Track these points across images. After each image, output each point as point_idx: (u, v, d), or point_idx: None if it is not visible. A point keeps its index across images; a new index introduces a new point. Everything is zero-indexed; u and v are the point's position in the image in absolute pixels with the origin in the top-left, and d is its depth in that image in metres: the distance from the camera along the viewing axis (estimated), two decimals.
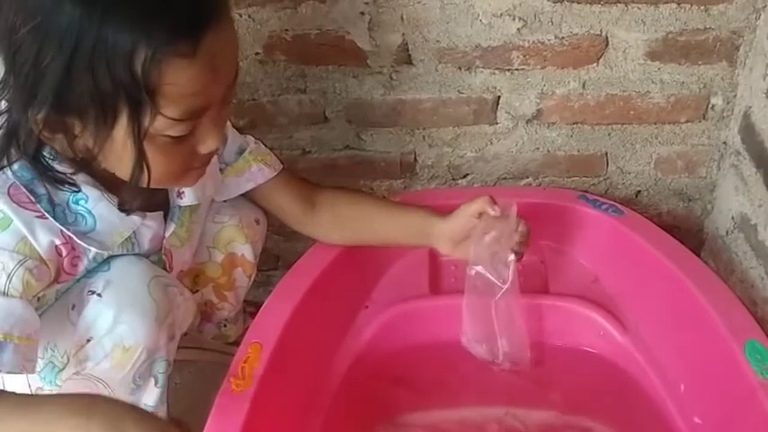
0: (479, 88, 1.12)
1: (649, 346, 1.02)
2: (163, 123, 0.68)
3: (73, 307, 0.80)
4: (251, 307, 1.12)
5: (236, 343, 0.92)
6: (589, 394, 1.03)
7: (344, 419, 0.98)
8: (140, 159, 0.71)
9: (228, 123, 0.91)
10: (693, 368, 0.96)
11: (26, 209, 0.73)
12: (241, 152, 0.96)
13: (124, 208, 0.79)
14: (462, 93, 1.13)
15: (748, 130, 1.07)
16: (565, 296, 1.08)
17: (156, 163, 0.72)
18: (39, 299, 0.78)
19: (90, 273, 0.81)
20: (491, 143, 1.18)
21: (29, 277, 0.72)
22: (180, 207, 0.88)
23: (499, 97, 1.13)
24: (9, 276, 0.71)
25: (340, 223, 1.01)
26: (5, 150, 0.72)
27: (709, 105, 1.13)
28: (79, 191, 0.76)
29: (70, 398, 0.71)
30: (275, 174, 0.98)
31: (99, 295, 0.79)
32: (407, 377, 1.05)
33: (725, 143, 1.15)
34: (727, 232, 1.15)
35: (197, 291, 1.01)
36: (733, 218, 1.13)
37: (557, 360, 1.07)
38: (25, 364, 0.71)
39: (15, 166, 0.73)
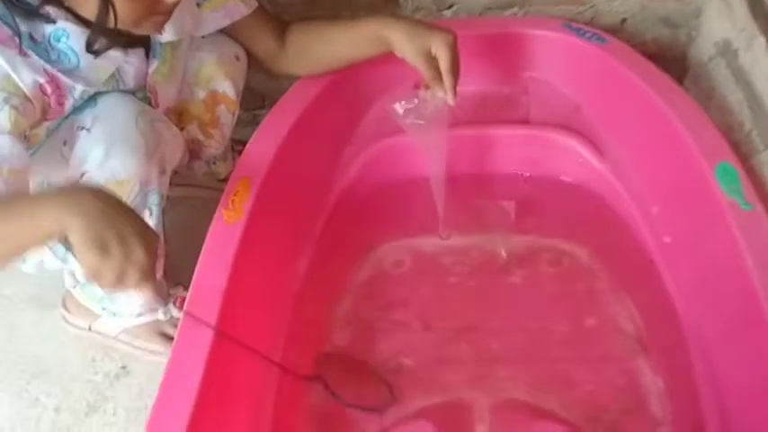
0: None
1: (626, 171, 1.05)
2: None
3: (64, 143, 0.82)
4: (239, 145, 1.14)
5: (227, 179, 0.95)
6: (566, 220, 1.08)
7: (332, 248, 1.04)
8: (105, 1, 0.71)
9: None
10: (667, 191, 1.00)
11: (8, 47, 0.73)
12: None
13: (92, 50, 0.78)
14: None
15: None
16: (545, 125, 1.10)
17: (119, 6, 0.72)
18: (29, 138, 0.79)
19: (78, 109, 0.82)
20: None
21: (15, 114, 0.73)
22: (161, 43, 0.88)
23: None
24: None
25: (306, 53, 1.01)
26: None
27: None
28: (55, 22, 0.76)
29: (60, 188, 0.69)
30: (251, 11, 0.97)
31: (88, 131, 0.81)
32: (390, 210, 1.10)
33: None
34: (709, 59, 1.15)
35: (182, 128, 1.02)
36: (716, 43, 1.12)
37: (535, 188, 1.11)
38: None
39: None
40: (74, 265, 0.91)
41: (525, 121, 1.11)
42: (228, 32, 0.99)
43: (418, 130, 0.94)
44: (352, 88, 1.08)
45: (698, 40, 1.21)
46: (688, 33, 1.22)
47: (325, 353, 0.95)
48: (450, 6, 1.19)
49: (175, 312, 1.00)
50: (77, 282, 0.97)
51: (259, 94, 1.25)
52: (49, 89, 0.77)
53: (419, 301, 1.00)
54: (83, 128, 0.81)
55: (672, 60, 1.23)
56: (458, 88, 0.92)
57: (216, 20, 0.95)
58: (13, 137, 0.73)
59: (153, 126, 0.84)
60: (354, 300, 1.01)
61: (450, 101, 0.92)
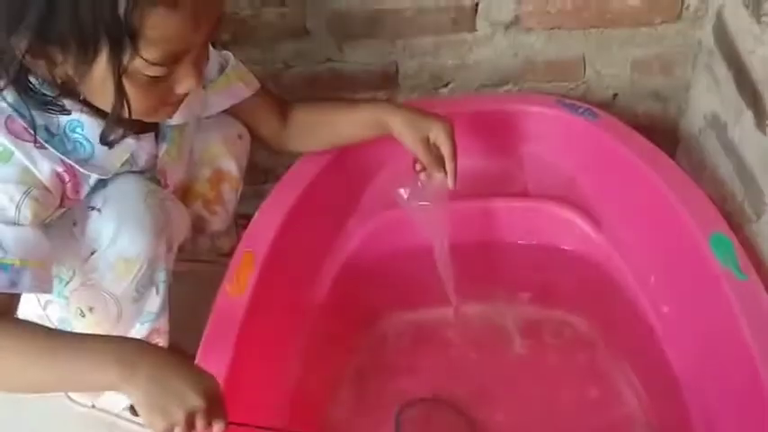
0: None
1: (622, 242, 1.07)
2: (142, 64, 0.71)
3: (75, 223, 0.83)
4: (243, 220, 1.16)
5: (230, 254, 0.97)
6: (565, 290, 1.09)
7: (335, 320, 1.05)
8: (120, 95, 0.73)
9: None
10: (663, 261, 1.01)
11: (25, 140, 0.75)
12: (222, 69, 0.98)
13: (107, 141, 0.81)
14: (440, 1, 1.14)
15: (721, 30, 1.09)
16: (542, 198, 1.13)
17: (133, 99, 0.75)
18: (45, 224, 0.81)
19: (89, 190, 0.84)
20: (471, 51, 1.20)
21: (36, 206, 0.75)
22: (170, 126, 0.91)
23: (477, 4, 1.14)
24: (18, 207, 0.74)
25: (306, 131, 1.04)
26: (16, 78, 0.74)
27: (684, 6, 1.14)
28: (70, 113, 0.78)
29: (110, 342, 0.72)
30: (253, 92, 1.01)
31: (99, 211, 0.82)
32: (393, 281, 1.11)
33: (699, 43, 1.17)
34: (699, 131, 1.19)
35: (188, 206, 1.05)
36: (705, 117, 1.16)
37: (535, 259, 1.13)
38: (44, 286, 0.75)
39: (10, 99, 0.75)
40: None
41: (524, 194, 1.14)
42: (231, 112, 1.02)
43: (422, 212, 0.98)
44: (354, 162, 1.11)
45: (688, 113, 1.25)
46: (678, 106, 1.26)
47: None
48: (447, 84, 1.24)
49: None
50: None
51: (262, 169, 1.28)
52: (66, 177, 0.79)
53: (423, 372, 1.01)
54: (93, 208, 0.83)
55: (663, 133, 1.27)
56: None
57: (220, 102, 0.99)
58: (34, 228, 0.75)
59: (162, 205, 0.86)
60: (358, 371, 1.01)
61: (451, 185, 0.97)
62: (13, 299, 0.75)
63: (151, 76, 0.73)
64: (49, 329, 0.73)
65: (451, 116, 0.99)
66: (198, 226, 1.09)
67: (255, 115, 1.03)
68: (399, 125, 0.98)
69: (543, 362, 1.01)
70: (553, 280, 1.10)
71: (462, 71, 1.22)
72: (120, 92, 0.73)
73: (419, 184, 0.98)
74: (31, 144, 0.76)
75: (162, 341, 0.93)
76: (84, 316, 0.86)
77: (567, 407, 0.96)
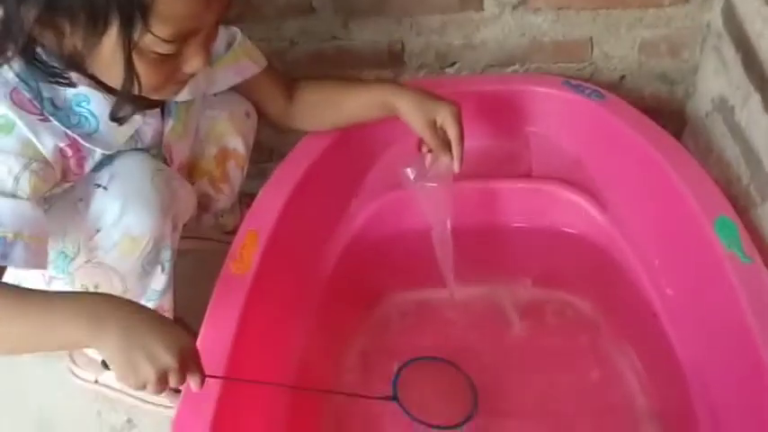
0: None
1: (627, 224, 1.07)
2: (152, 40, 0.71)
3: (80, 200, 0.83)
4: (247, 198, 1.16)
5: (233, 232, 0.96)
6: (569, 271, 1.09)
7: (338, 299, 1.05)
8: (130, 71, 0.73)
9: None
10: (667, 243, 1.01)
11: (29, 112, 0.75)
12: (229, 46, 0.97)
13: (117, 117, 0.80)
14: None
15: (729, 13, 1.08)
16: (547, 179, 1.13)
17: (142, 76, 0.74)
18: (48, 199, 0.81)
19: (95, 167, 0.84)
20: (478, 30, 1.19)
21: (35, 179, 0.74)
22: (176, 103, 0.91)
23: None
24: (16, 179, 0.73)
25: (312, 110, 1.04)
26: (3, 50, 0.73)
27: None
28: (75, 86, 0.78)
29: (80, 299, 0.72)
30: (261, 69, 1.00)
31: (105, 188, 0.82)
32: (397, 261, 1.11)
33: (708, 26, 1.16)
34: (706, 114, 1.18)
35: (193, 183, 1.05)
36: (712, 100, 1.15)
37: (539, 240, 1.13)
38: (36, 261, 0.75)
39: (16, 68, 0.75)
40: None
41: (528, 175, 1.14)
42: (238, 89, 1.02)
43: (426, 192, 0.98)
44: (358, 142, 1.11)
45: (695, 96, 1.24)
46: (685, 89, 1.25)
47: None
48: (453, 64, 1.23)
49: None
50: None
51: (267, 147, 1.28)
52: (69, 152, 0.79)
53: (425, 352, 1.01)
54: (99, 185, 0.82)
55: (670, 115, 1.26)
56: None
57: (227, 78, 0.98)
58: (32, 202, 0.74)
59: (168, 184, 0.86)
60: (361, 351, 1.02)
61: (457, 168, 0.97)
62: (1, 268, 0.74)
63: (160, 54, 0.73)
64: (22, 289, 0.71)
65: (457, 95, 0.99)
66: (203, 203, 1.09)
67: (261, 92, 1.02)
68: (406, 107, 0.98)
69: (546, 343, 1.02)
70: (557, 262, 1.10)
71: (469, 51, 1.21)
72: (129, 68, 0.73)
73: (425, 164, 0.98)
74: (36, 116, 0.75)
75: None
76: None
77: (567, 387, 0.96)
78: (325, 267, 1.07)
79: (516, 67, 1.23)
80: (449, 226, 0.99)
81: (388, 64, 1.22)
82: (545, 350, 1.01)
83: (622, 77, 1.24)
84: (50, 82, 0.76)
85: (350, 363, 1.01)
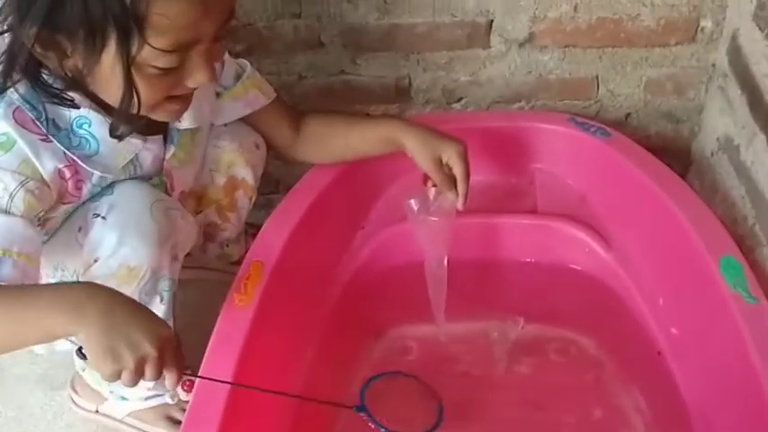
0: (472, 12, 1.14)
1: (632, 262, 1.07)
2: (150, 53, 0.71)
3: (79, 229, 0.84)
4: (253, 229, 1.17)
5: (239, 263, 0.97)
6: (574, 308, 1.09)
7: (342, 332, 1.04)
8: (129, 86, 0.73)
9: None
10: (672, 283, 1.01)
11: (31, 131, 0.76)
12: (238, 77, 0.98)
13: (116, 134, 0.81)
14: (455, 16, 1.14)
15: (735, 53, 1.09)
16: (552, 215, 1.13)
17: (143, 92, 0.74)
18: (44, 222, 0.82)
19: (95, 197, 0.85)
20: (484, 67, 1.20)
21: (30, 198, 0.75)
22: (178, 130, 0.91)
23: (492, 21, 1.15)
24: (11, 196, 0.74)
25: (319, 143, 1.05)
26: (8, 71, 0.75)
27: (699, 28, 1.14)
28: (78, 107, 0.79)
29: (63, 290, 0.71)
30: (270, 101, 1.01)
31: (103, 218, 0.83)
32: (401, 294, 1.11)
33: (713, 65, 1.17)
34: (712, 153, 1.18)
35: (201, 211, 1.05)
36: (718, 139, 1.16)
37: (543, 276, 1.12)
38: (24, 279, 0.74)
39: (21, 90, 0.76)
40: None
41: (533, 211, 1.14)
42: (245, 120, 1.02)
43: (428, 226, 0.98)
44: (364, 175, 1.11)
45: (701, 135, 1.24)
46: (691, 128, 1.26)
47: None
48: (459, 100, 1.24)
49: (183, 396, 1.00)
50: (86, 364, 0.98)
51: (273, 178, 1.29)
52: (67, 174, 0.80)
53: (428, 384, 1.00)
54: (98, 215, 0.83)
55: (676, 154, 1.26)
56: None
57: (236, 110, 0.99)
58: (25, 220, 0.75)
59: (167, 214, 0.86)
60: (364, 381, 1.01)
61: (461, 206, 0.97)
62: None
63: (161, 69, 0.73)
64: (5, 286, 0.71)
65: (463, 131, 1.00)
66: (209, 233, 1.09)
67: (269, 124, 1.03)
68: (412, 144, 0.98)
69: (549, 380, 1.01)
70: (561, 299, 1.10)
71: (475, 87, 1.22)
72: (128, 82, 0.73)
73: (429, 198, 0.98)
74: (37, 137, 0.76)
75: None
76: None
77: (571, 426, 0.95)
78: (329, 299, 1.07)
79: (522, 103, 1.24)
80: (446, 262, 0.99)
81: (396, 99, 1.23)
82: (548, 387, 1.00)
83: (628, 115, 1.25)
84: (54, 103, 0.78)
85: (352, 395, 1.00)
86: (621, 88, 1.22)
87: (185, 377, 0.72)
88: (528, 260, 1.14)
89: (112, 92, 0.75)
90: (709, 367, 0.91)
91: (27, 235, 0.75)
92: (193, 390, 0.80)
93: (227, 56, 0.96)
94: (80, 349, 0.69)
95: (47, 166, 0.77)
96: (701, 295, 0.93)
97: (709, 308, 0.92)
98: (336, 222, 1.10)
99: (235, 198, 1.06)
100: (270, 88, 1.02)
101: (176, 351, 0.71)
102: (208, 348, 0.84)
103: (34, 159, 0.76)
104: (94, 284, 0.72)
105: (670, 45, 1.17)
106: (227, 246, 1.15)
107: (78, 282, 0.81)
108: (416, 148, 0.98)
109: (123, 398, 0.99)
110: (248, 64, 1.00)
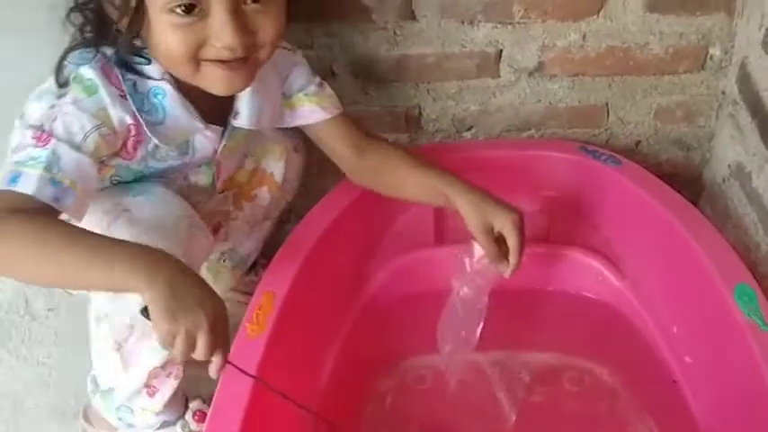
0: (482, 42, 1.15)
1: (645, 290, 1.06)
2: None
3: (107, 212, 0.86)
4: (264, 259, 1.17)
5: (251, 293, 0.97)
6: (587, 337, 1.08)
7: (353, 363, 1.04)
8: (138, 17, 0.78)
9: (301, 57, 1.00)
10: (686, 311, 1.00)
11: (113, 84, 0.83)
12: (301, 89, 1.00)
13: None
14: (465, 47, 1.15)
15: (745, 80, 1.09)
16: (565, 244, 1.13)
17: (170, 39, 0.79)
18: (99, 168, 0.83)
19: (133, 191, 0.89)
20: (494, 96, 1.21)
21: (101, 141, 0.81)
22: (234, 127, 0.94)
23: (501, 50, 1.16)
24: (85, 136, 0.79)
25: (377, 176, 1.04)
26: (100, 27, 0.83)
27: (708, 56, 1.15)
28: (158, 80, 0.85)
29: (141, 252, 0.74)
30: (328, 117, 1.01)
31: (131, 213, 0.86)
32: (413, 323, 1.11)
33: (723, 93, 1.18)
34: (723, 180, 1.18)
35: (222, 192, 1.06)
36: (729, 166, 1.16)
37: (557, 305, 1.12)
38: (77, 215, 0.78)
39: (110, 52, 0.83)
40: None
41: (545, 240, 1.14)
42: (309, 132, 1.04)
43: (465, 295, 0.97)
44: (375, 204, 1.11)
45: (712, 162, 1.24)
46: (702, 155, 1.26)
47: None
48: (470, 129, 1.25)
49: (193, 426, 1.00)
50: (98, 388, 0.98)
51: (286, 208, 1.29)
52: (133, 131, 0.85)
53: (441, 417, 0.99)
54: (127, 210, 0.86)
55: (687, 181, 1.26)
56: None
57: (287, 118, 1.01)
58: (92, 160, 0.80)
59: (189, 231, 0.89)
60: (375, 414, 1.00)
61: (508, 276, 0.96)
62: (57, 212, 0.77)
63: (180, 14, 0.76)
64: (90, 232, 0.76)
65: (474, 160, 1.00)
66: (215, 225, 1.09)
67: (329, 139, 1.03)
68: (465, 207, 0.96)
69: (564, 409, 1.00)
70: (574, 327, 1.09)
71: (485, 116, 1.23)
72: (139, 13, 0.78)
73: (475, 254, 0.97)
74: (116, 90, 0.83)
75: (176, 372, 0.94)
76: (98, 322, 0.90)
77: None
78: (341, 329, 1.07)
79: (532, 132, 1.25)
80: (478, 333, 0.97)
81: (406, 128, 1.24)
82: (563, 417, 0.99)
83: (638, 143, 1.25)
84: (136, 72, 0.84)
85: (365, 426, 0.99)
86: (631, 116, 1.22)
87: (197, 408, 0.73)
88: (540, 289, 1.14)
89: (152, 41, 0.80)
90: (724, 395, 0.91)
91: (90, 174, 0.80)
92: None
93: (304, 64, 1.00)
94: (145, 309, 0.72)
95: (119, 117, 0.82)
96: (716, 323, 0.93)
97: (723, 336, 0.91)
98: (347, 252, 1.10)
99: (256, 190, 1.08)
100: (333, 104, 1.01)
101: (225, 331, 0.73)
102: (220, 381, 0.84)
103: (110, 109, 0.82)
104: (166, 253, 0.75)
105: (679, 73, 1.17)
106: (224, 260, 1.13)
107: (149, 247, 0.80)
108: (468, 212, 0.96)
109: (131, 426, 0.98)
110: (318, 80, 1.01)
